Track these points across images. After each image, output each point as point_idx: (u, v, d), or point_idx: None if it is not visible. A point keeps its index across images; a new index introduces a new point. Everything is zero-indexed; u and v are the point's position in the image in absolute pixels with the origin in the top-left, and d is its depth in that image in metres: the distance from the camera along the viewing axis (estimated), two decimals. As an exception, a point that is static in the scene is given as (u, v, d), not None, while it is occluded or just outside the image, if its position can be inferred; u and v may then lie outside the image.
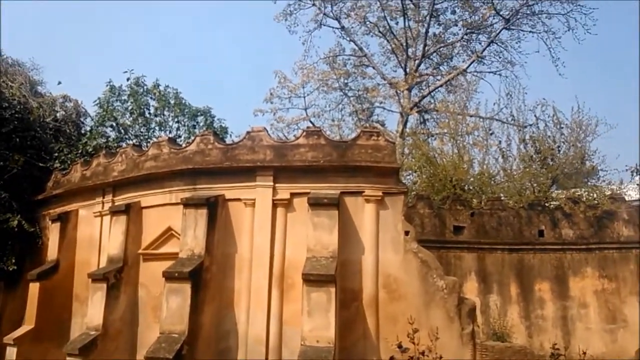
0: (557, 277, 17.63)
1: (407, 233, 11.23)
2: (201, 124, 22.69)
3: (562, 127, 20.85)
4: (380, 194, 11.27)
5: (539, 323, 17.28)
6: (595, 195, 18.49)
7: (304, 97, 26.52)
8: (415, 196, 18.99)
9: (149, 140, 19.83)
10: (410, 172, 21.84)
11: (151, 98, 21.49)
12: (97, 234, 13.65)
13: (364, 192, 11.28)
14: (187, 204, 11.31)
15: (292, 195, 11.36)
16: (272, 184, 11.40)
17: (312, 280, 10.02)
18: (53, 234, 14.47)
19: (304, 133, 11.92)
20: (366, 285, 10.83)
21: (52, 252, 14.30)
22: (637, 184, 19.97)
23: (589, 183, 20.25)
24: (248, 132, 12.10)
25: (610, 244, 17.60)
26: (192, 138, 13.22)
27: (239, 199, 11.57)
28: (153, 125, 21.21)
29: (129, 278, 12.13)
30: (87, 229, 14.11)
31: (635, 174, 19.50)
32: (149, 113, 21.29)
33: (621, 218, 17.83)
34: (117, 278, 11.92)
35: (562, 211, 18.13)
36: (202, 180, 11.84)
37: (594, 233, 17.81)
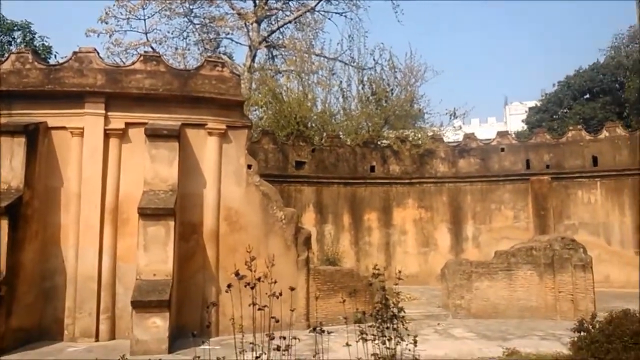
0: (383, 208, 19.67)
1: (249, 167, 11.39)
2: (18, 41, 19.68)
3: (397, 72, 22.52)
4: (224, 127, 11.15)
5: (366, 249, 19.26)
6: (419, 136, 20.65)
7: (144, 19, 24.38)
8: (261, 132, 19.22)
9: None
10: (256, 107, 21.84)
11: (-51, 4, 17.84)
12: None
13: (206, 124, 11.04)
14: (2, 131, 9.92)
15: (128, 125, 10.66)
16: (103, 111, 10.53)
17: (148, 214, 9.72)
18: None
19: (141, 58, 11.09)
20: (207, 218, 10.87)
21: None
22: (454, 126, 22.68)
23: (416, 125, 22.45)
24: (75, 53, 10.85)
25: (428, 178, 20.04)
26: (6, 56, 11.43)
27: (64, 127, 10.50)
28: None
29: None
30: None
31: (452, 117, 22.11)
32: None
33: (439, 156, 20.29)
34: None
35: (391, 149, 20.01)
36: (19, 105, 10.44)
37: (416, 169, 20.06)
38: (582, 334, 7.36)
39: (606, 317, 7.40)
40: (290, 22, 26.80)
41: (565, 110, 43.68)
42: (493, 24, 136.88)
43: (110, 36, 23.42)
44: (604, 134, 19.52)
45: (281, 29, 26.97)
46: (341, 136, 20.54)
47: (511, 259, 12.42)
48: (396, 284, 6.97)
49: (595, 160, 19.23)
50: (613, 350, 6.64)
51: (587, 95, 43.87)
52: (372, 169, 19.89)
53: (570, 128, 20.98)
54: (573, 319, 9.54)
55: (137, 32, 24.48)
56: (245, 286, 5.82)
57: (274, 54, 27.29)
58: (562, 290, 12.09)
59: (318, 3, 26.74)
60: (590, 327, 7.35)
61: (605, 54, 50.36)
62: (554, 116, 44.16)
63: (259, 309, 5.81)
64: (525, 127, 47.16)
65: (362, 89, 22.37)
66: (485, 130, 50.35)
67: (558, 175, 19.33)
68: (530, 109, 51.17)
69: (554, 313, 12.07)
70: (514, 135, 24.56)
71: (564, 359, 7.64)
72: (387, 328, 6.53)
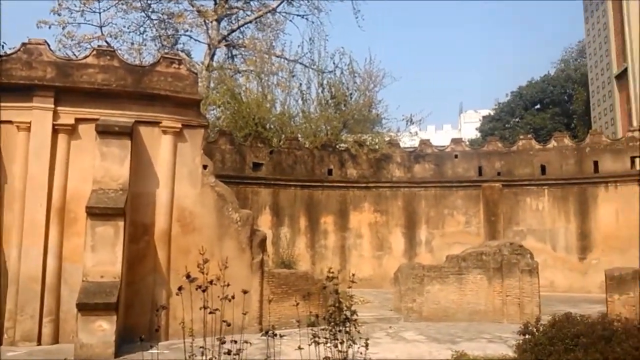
0: (340, 212, 19.79)
1: (205, 167, 11.19)
2: (-39, 28, 18.64)
3: (356, 76, 22.74)
4: (179, 125, 10.92)
5: (322, 252, 19.31)
6: (377, 140, 20.91)
7: (99, 12, 23.58)
8: (218, 132, 18.96)
9: None
10: (214, 107, 21.54)
11: None
12: None
13: (161, 122, 10.78)
14: (-62, 123, 9.37)
15: (78, 120, 10.27)
16: (52, 106, 10.10)
17: (97, 213, 9.38)
18: None
19: (95, 52, 10.72)
20: (159, 218, 10.59)
21: None
22: (410, 132, 23.11)
23: (373, 129, 22.73)
24: (24, 44, 10.38)
25: (384, 183, 20.31)
26: (-53, 44, 10.82)
27: (10, 122, 10.02)
28: None
29: None
30: None
31: (409, 123, 22.50)
32: None
33: (395, 161, 20.62)
34: None
35: (349, 153, 20.18)
36: (-40, 97, 9.88)
37: (373, 173, 20.30)
38: (527, 336, 7.59)
39: (550, 320, 7.67)
40: (250, 21, 26.61)
41: (516, 120, 45.35)
42: (456, 31, 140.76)
43: (63, 28, 22.53)
44: (553, 143, 20.34)
45: (241, 29, 26.75)
46: (299, 139, 20.54)
47: (462, 263, 12.73)
48: (350, 287, 6.99)
49: (543, 169, 20.01)
50: (555, 352, 6.89)
51: (538, 106, 45.66)
52: (330, 172, 19.98)
53: (521, 137, 21.74)
54: (519, 322, 9.83)
55: (92, 25, 23.70)
56: (197, 289, 5.70)
57: (233, 53, 27.01)
58: (510, 294, 12.49)
59: (280, 4, 26.70)
60: (535, 330, 7.59)
61: (556, 66, 52.45)
62: (506, 125, 45.77)
63: (211, 313, 5.71)
64: (479, 134, 48.58)
65: (322, 92, 22.49)
66: (441, 137, 51.56)
67: (508, 183, 19.99)
68: (484, 117, 52.64)
69: (501, 316, 12.44)
70: (467, 143, 25.24)
71: (509, 361, 7.87)
72: (340, 331, 6.54)
